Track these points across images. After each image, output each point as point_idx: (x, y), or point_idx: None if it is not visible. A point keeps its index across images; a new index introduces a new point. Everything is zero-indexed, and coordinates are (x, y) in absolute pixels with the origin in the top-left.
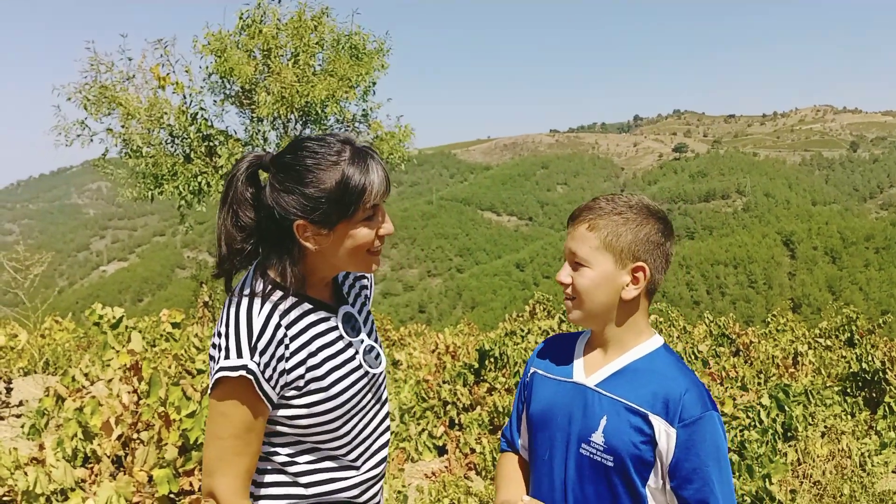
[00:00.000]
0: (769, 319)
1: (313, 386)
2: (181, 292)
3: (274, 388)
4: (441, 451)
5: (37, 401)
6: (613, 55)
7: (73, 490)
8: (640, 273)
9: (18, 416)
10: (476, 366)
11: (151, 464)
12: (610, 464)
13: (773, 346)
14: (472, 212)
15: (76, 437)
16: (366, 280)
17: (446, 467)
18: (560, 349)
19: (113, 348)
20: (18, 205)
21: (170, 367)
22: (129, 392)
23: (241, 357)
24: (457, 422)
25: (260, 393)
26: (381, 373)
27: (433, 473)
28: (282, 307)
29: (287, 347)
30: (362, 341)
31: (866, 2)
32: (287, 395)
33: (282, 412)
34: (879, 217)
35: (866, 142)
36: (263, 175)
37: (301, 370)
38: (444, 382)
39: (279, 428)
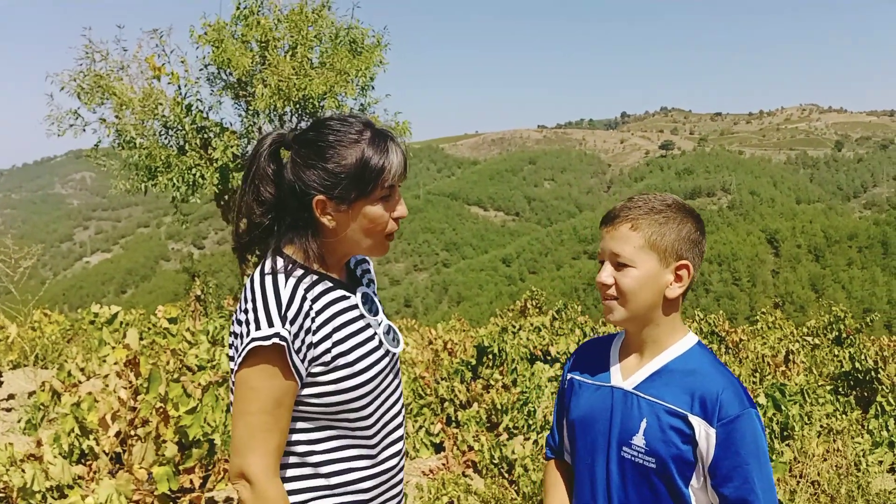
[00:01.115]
0: (757, 318)
1: (340, 361)
2: (166, 284)
3: (303, 361)
4: (438, 448)
5: (26, 394)
6: (601, 51)
7: (70, 487)
8: (684, 271)
9: (9, 410)
10: (473, 362)
11: (150, 461)
12: (652, 465)
13: (762, 345)
14: (459, 206)
15: (73, 433)
16: (368, 265)
17: (444, 465)
18: (595, 354)
19: (108, 344)
20: (1, 194)
21: (168, 362)
22: (125, 388)
23: (273, 326)
24: (454, 419)
25: (290, 364)
26: (399, 353)
27: (431, 471)
28: (305, 282)
29: (313, 320)
30: (380, 322)
31: (851, 3)
32: (314, 371)
33: (309, 391)
34: (863, 216)
35: (851, 141)
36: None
37: (327, 344)
38: (441, 379)
39: (304, 409)
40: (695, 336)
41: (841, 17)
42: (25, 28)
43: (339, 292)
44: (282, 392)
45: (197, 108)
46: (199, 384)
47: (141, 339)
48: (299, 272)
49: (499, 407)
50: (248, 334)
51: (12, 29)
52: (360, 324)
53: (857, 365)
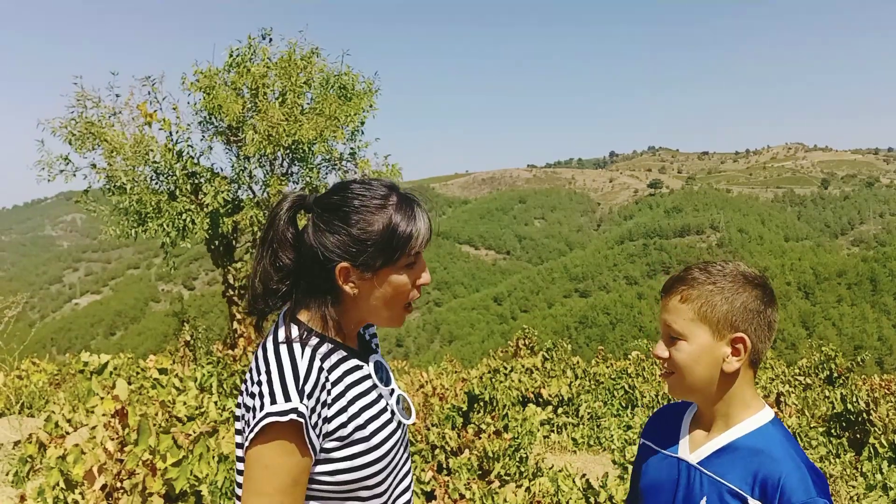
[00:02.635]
0: None
1: (357, 436)
2: (155, 326)
3: (318, 436)
4: (429, 496)
5: (12, 444)
6: (590, 91)
7: None
8: (740, 344)
9: None
10: (464, 408)
11: None
12: None
13: None
14: (451, 245)
15: (58, 487)
16: (374, 329)
17: None
18: (669, 421)
19: (97, 394)
20: None
21: (157, 414)
22: (113, 438)
23: (290, 401)
24: (445, 466)
25: (307, 440)
26: (409, 425)
27: None
28: (321, 352)
29: (329, 393)
30: (392, 392)
31: (837, 42)
32: (328, 446)
33: (322, 468)
34: (851, 253)
35: (837, 179)
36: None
37: (343, 418)
38: (431, 425)
39: (316, 488)
40: (770, 412)
41: (825, 56)
42: (16, 70)
43: (354, 362)
44: (298, 470)
45: (188, 153)
46: (189, 434)
47: (129, 383)
48: (314, 341)
49: (490, 454)
50: (261, 408)
51: (3, 71)
52: (374, 395)
53: (849, 406)
